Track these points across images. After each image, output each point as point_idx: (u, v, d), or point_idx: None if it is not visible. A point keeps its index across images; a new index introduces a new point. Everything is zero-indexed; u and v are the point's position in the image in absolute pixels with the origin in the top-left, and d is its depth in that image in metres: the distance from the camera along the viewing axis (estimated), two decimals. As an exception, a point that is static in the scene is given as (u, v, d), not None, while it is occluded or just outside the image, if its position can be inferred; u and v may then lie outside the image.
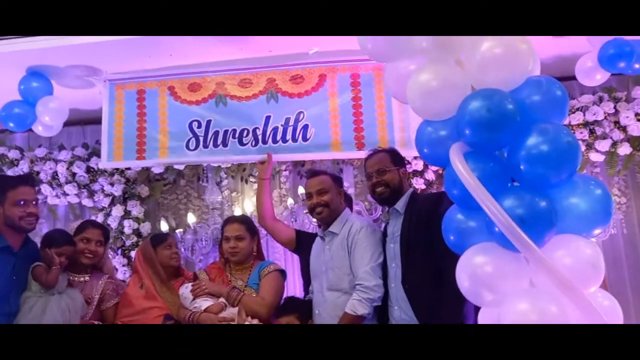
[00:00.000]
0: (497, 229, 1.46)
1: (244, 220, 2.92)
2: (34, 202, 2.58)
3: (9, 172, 4.15)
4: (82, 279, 2.71)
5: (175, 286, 2.82)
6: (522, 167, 1.50)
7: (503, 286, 1.53)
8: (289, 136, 3.35)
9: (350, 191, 3.82)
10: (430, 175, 3.80)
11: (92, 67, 3.48)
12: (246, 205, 3.96)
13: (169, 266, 2.85)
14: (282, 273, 2.86)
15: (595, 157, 3.69)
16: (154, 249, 2.86)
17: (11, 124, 3.41)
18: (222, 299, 2.66)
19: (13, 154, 4.23)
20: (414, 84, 1.62)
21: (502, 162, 1.58)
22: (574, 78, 3.38)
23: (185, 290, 2.70)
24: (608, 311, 1.50)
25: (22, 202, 2.52)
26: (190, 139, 3.44)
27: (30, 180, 2.69)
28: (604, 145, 3.63)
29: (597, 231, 1.56)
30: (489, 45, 1.51)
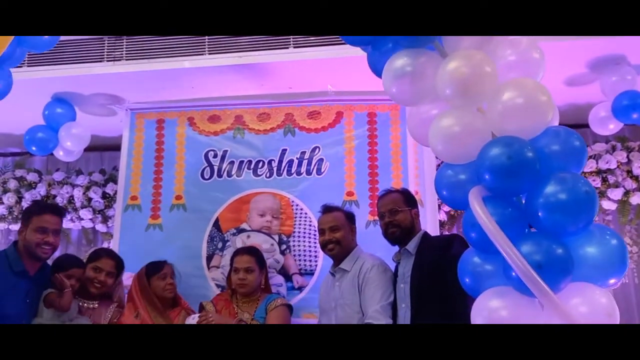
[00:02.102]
0: (514, 273, 1.48)
1: (254, 252, 2.93)
2: (54, 232, 2.56)
3: (27, 195, 4.21)
4: (91, 305, 2.72)
5: (172, 316, 2.81)
6: (540, 214, 1.52)
7: (518, 331, 1.53)
8: (303, 169, 3.40)
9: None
10: (442, 216, 3.82)
11: (115, 95, 3.58)
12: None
13: (162, 297, 2.82)
14: (289, 307, 2.86)
15: (607, 205, 3.70)
16: (148, 278, 2.85)
17: (34, 148, 3.49)
18: (229, 331, 2.66)
19: (31, 177, 4.31)
20: (436, 128, 1.66)
21: (520, 207, 1.61)
22: (587, 126, 3.43)
23: (192, 320, 2.69)
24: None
25: (41, 230, 2.51)
26: (205, 167, 3.50)
27: (57, 210, 2.70)
28: (616, 193, 3.65)
29: (612, 281, 1.57)
30: (510, 95, 1.56)
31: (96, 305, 2.73)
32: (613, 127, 3.29)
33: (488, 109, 1.62)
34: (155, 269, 2.87)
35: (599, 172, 3.69)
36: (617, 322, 1.52)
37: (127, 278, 3.24)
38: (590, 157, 3.71)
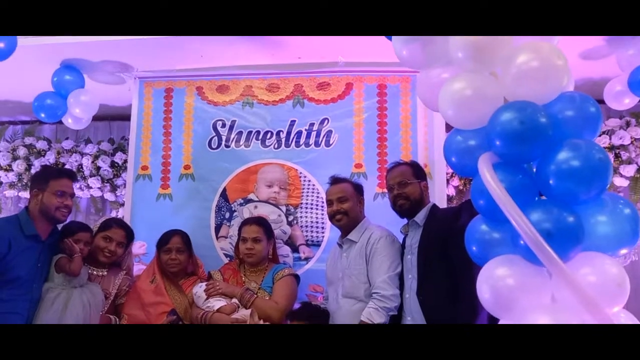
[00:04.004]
0: (522, 241, 1.45)
1: (262, 222, 2.93)
2: (70, 196, 2.64)
3: (36, 162, 4.24)
4: (100, 273, 2.75)
5: (185, 286, 2.83)
6: (551, 181, 1.48)
7: (524, 300, 1.51)
8: (312, 140, 3.38)
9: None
10: (450, 191, 3.79)
11: (124, 63, 3.55)
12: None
13: (167, 271, 2.82)
14: (296, 277, 2.87)
15: (619, 182, 3.65)
16: (158, 249, 2.87)
17: (43, 115, 3.49)
18: (235, 300, 2.67)
19: (41, 145, 4.32)
20: (446, 93, 1.62)
21: (530, 175, 1.58)
22: (602, 102, 3.36)
23: (199, 289, 2.72)
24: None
25: (61, 193, 2.57)
26: (213, 137, 3.49)
27: (72, 175, 2.76)
28: (629, 170, 3.60)
29: (623, 251, 1.54)
30: (525, 58, 1.52)
31: (105, 273, 2.76)
32: (628, 101, 3.22)
33: (501, 72, 1.58)
34: (162, 241, 2.87)
35: (612, 148, 3.63)
36: (627, 293, 1.50)
37: (139, 247, 3.27)
38: (604, 132, 3.65)
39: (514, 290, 1.53)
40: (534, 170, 1.58)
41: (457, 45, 1.60)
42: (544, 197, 1.58)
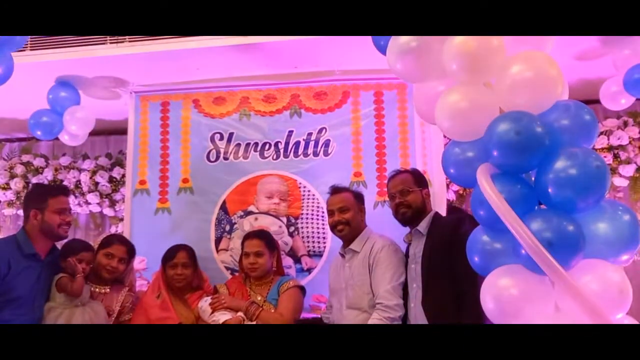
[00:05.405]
0: (523, 251, 1.45)
1: (264, 235, 2.92)
2: (69, 212, 2.66)
3: (34, 180, 4.23)
4: (103, 290, 2.73)
5: (191, 300, 2.82)
6: (550, 190, 1.49)
7: (528, 309, 1.51)
8: (310, 150, 3.38)
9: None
10: (450, 195, 3.79)
11: (119, 78, 3.55)
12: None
13: (173, 286, 2.81)
14: (302, 289, 2.86)
15: (618, 182, 3.65)
16: (163, 264, 2.86)
17: (39, 132, 3.49)
18: (240, 314, 2.66)
19: (38, 162, 4.32)
20: (442, 105, 1.62)
21: (529, 184, 1.58)
22: (598, 102, 3.37)
23: (204, 303, 2.71)
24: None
25: (61, 211, 2.58)
26: (211, 150, 3.48)
27: (67, 191, 2.78)
28: (628, 170, 3.60)
29: (624, 257, 1.54)
30: (519, 68, 1.52)
31: (108, 290, 2.74)
32: (625, 101, 3.23)
33: (496, 83, 1.58)
34: (168, 257, 2.86)
35: (610, 148, 3.64)
36: (630, 299, 1.50)
37: (139, 262, 3.26)
38: (602, 133, 3.65)
39: (517, 300, 1.53)
40: (533, 179, 1.58)
41: (451, 56, 1.60)
42: (543, 206, 1.58)
